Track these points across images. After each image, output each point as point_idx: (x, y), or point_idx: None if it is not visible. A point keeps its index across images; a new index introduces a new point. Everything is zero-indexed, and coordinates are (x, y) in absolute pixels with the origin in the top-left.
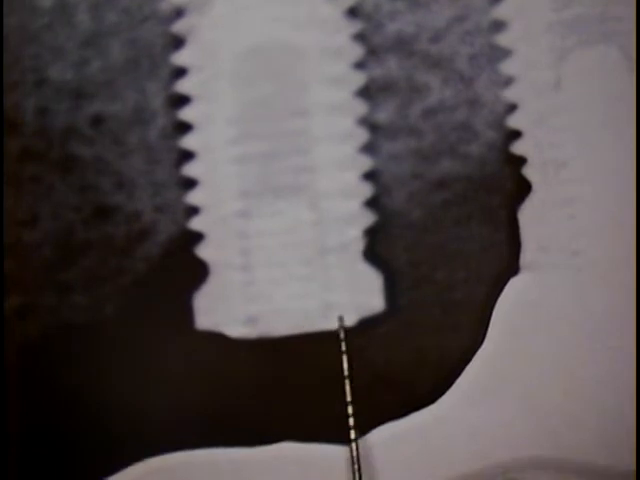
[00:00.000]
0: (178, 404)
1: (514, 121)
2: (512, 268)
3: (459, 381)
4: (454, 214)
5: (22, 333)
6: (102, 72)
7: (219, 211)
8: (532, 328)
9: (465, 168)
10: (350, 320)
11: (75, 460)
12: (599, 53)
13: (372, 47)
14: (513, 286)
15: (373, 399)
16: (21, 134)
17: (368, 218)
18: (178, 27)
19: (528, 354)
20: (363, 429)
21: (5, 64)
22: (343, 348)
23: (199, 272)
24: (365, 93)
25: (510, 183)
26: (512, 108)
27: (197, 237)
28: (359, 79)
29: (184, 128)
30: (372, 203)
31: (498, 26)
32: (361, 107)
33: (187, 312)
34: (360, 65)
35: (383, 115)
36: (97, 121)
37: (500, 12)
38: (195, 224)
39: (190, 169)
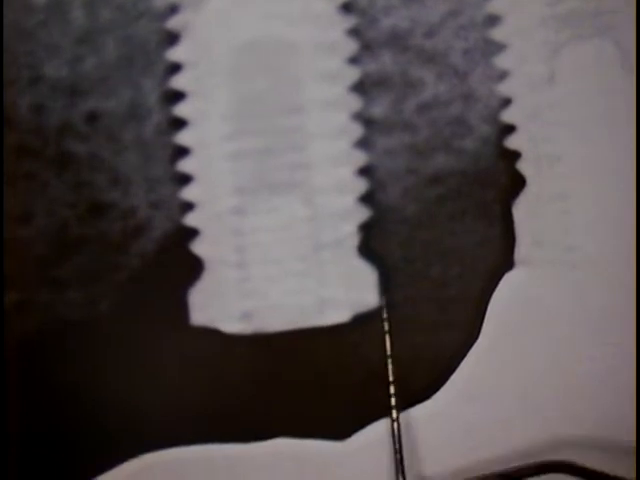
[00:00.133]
0: (173, 400)
1: (508, 115)
2: (507, 263)
3: (454, 377)
4: (448, 209)
5: (17, 329)
6: (97, 69)
7: (214, 207)
8: (527, 323)
9: (459, 163)
10: (344, 316)
11: (70, 456)
12: (593, 47)
13: (366, 42)
14: (508, 281)
15: (368, 395)
16: (16, 131)
17: (363, 213)
18: (172, 24)
19: (523, 349)
20: (358, 425)
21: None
22: (386, 328)
23: (194, 268)
24: (359, 88)
25: (504, 178)
26: (506, 102)
27: (192, 233)
28: (353, 74)
29: (179, 124)
30: (367, 198)
31: (492, 21)
32: (356, 102)
33: (182, 308)
34: (354, 60)
35: (378, 110)
36: (92, 118)
37: (494, 6)
38: (190, 220)
39: (185, 165)
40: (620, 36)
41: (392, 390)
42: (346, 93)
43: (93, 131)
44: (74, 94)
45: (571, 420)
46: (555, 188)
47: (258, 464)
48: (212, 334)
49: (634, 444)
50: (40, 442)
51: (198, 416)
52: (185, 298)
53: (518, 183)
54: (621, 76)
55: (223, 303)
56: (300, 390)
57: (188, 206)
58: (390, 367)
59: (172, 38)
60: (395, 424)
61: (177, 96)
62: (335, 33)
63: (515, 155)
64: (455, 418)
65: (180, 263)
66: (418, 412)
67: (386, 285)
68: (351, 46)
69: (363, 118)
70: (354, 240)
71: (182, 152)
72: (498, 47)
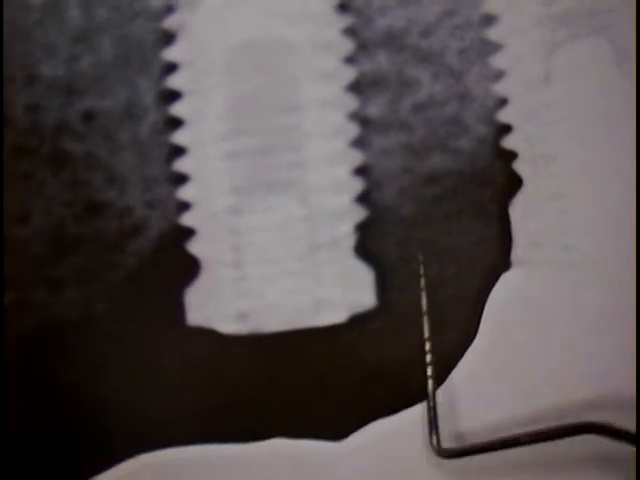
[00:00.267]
0: (170, 400)
1: (504, 115)
2: (504, 263)
3: (451, 377)
4: (445, 209)
5: (14, 328)
6: (93, 68)
7: (210, 207)
8: (524, 323)
9: (456, 163)
10: (341, 316)
11: (68, 455)
12: (589, 47)
13: (362, 42)
14: (505, 281)
15: (364, 396)
16: (13, 130)
17: (359, 213)
18: (169, 23)
19: (520, 349)
20: (355, 425)
21: None
22: (422, 284)
23: (190, 268)
24: (356, 88)
25: (501, 178)
26: (502, 102)
27: (188, 233)
28: (350, 74)
29: (175, 124)
30: (363, 198)
31: (488, 20)
32: (352, 102)
33: (178, 308)
34: (351, 60)
35: (374, 110)
36: (88, 117)
37: (490, 6)
38: (186, 220)
39: (181, 165)
40: (616, 35)
41: (427, 347)
42: (342, 92)
43: (89, 130)
44: (70, 93)
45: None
46: (552, 188)
47: (255, 464)
48: (208, 334)
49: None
50: (37, 441)
51: (195, 416)
52: (181, 298)
53: (514, 183)
54: (617, 75)
55: (219, 303)
56: (296, 390)
57: (184, 205)
58: (427, 325)
59: (168, 38)
60: (430, 381)
61: (173, 95)
62: (331, 33)
63: (511, 155)
64: (452, 418)
65: (176, 263)
66: (415, 412)
67: (382, 286)
68: (347, 46)
69: (359, 117)
70: (350, 240)
71: (178, 151)
72: (494, 47)
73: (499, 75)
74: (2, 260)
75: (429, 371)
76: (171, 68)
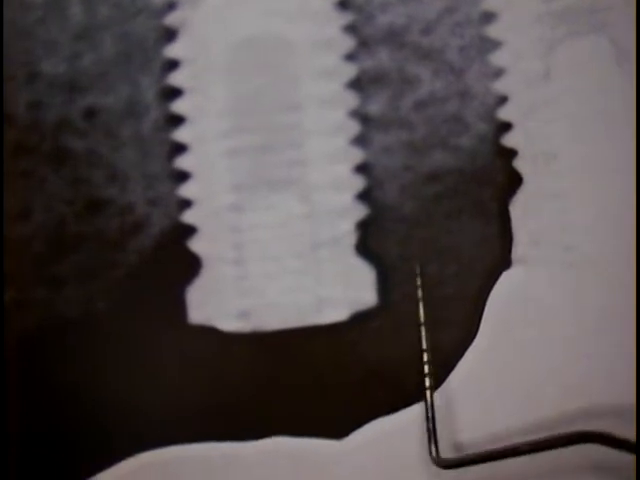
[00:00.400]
0: (170, 398)
1: (505, 113)
2: (504, 262)
3: (452, 376)
4: (445, 207)
5: (15, 327)
6: (95, 65)
7: (212, 204)
8: (525, 322)
9: (456, 160)
10: (342, 315)
11: (68, 454)
12: (589, 44)
13: (363, 39)
14: (505, 280)
15: (365, 394)
16: (14, 127)
17: (360, 211)
18: (170, 20)
19: (521, 348)
20: (354, 424)
21: None
22: (420, 295)
23: (192, 265)
24: (356, 85)
25: (501, 176)
26: (502, 100)
27: (190, 230)
28: (350, 71)
29: (177, 121)
30: (364, 196)
31: (488, 17)
32: (352, 99)
33: (180, 306)
34: (351, 57)
35: (374, 107)
36: (90, 114)
37: (490, 3)
38: (188, 217)
39: (183, 162)
40: (615, 33)
41: (425, 358)
42: (343, 90)
43: (91, 127)
44: (72, 90)
45: (569, 420)
46: (552, 186)
47: (255, 463)
48: (209, 332)
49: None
50: (38, 440)
51: (195, 414)
52: (182, 296)
53: (515, 181)
54: (617, 73)
55: (220, 301)
56: (297, 389)
57: (186, 203)
58: (424, 334)
59: (170, 35)
60: (429, 392)
61: (175, 93)
62: (332, 30)
63: (512, 153)
64: (453, 417)
65: (178, 260)
66: (415, 411)
67: (383, 284)
68: (348, 43)
69: (360, 115)
70: (351, 238)
71: (179, 149)
72: (494, 44)
73: (499, 72)
74: (2, 258)
75: (427, 382)
76: (172, 65)
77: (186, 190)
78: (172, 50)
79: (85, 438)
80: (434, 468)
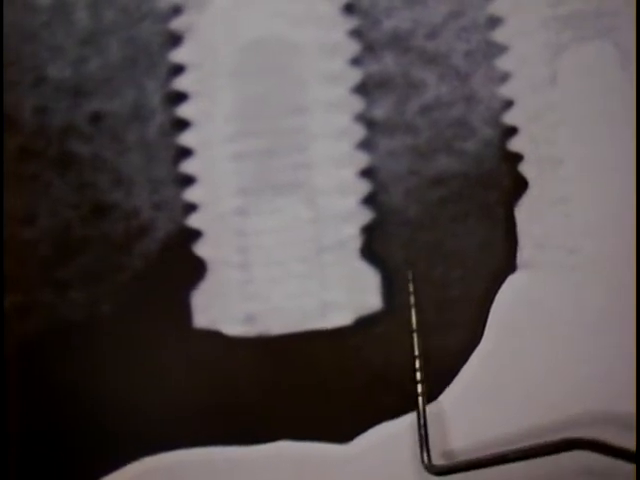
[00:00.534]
0: (175, 402)
1: (510, 117)
2: (509, 266)
3: (456, 380)
4: (450, 211)
5: (20, 330)
6: (101, 70)
7: (217, 208)
8: (530, 326)
9: (461, 165)
10: (347, 319)
11: (72, 458)
12: (594, 49)
13: (369, 43)
14: (510, 284)
15: (369, 398)
16: (20, 132)
17: (365, 215)
18: (176, 25)
19: (526, 352)
20: (360, 428)
21: (4, 62)
22: (412, 301)
23: (197, 269)
24: (362, 89)
25: (506, 180)
26: (508, 104)
27: (195, 234)
28: (356, 75)
29: (182, 125)
30: (369, 200)
31: (494, 22)
32: (358, 104)
33: (185, 309)
34: (357, 61)
35: (380, 112)
36: (95, 119)
37: (495, 8)
38: (193, 221)
39: (188, 166)
40: (621, 38)
41: (418, 365)
42: (348, 94)
43: (96, 132)
44: (78, 95)
45: (574, 423)
46: (557, 190)
47: (260, 467)
48: (214, 336)
49: (634, 447)
50: (41, 444)
51: (200, 418)
52: (188, 299)
53: (520, 185)
54: (622, 78)
55: (226, 305)
56: (302, 393)
57: (191, 207)
58: (416, 340)
59: (175, 39)
60: (420, 399)
61: (180, 97)
62: (337, 34)
63: (517, 157)
64: (457, 420)
65: (183, 264)
66: None
67: (388, 288)
68: (353, 47)
69: (365, 119)
70: (356, 242)
71: (185, 153)
72: (500, 49)
73: (505, 77)
74: (2, 261)
75: (419, 388)
76: (178, 70)
77: (191, 194)
78: (178, 54)
79: (89, 442)
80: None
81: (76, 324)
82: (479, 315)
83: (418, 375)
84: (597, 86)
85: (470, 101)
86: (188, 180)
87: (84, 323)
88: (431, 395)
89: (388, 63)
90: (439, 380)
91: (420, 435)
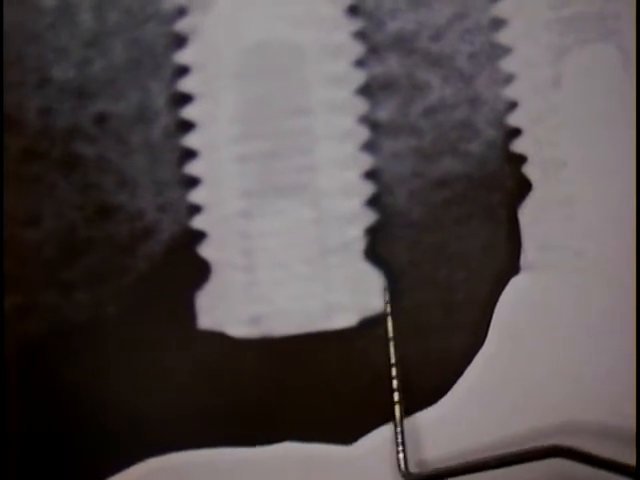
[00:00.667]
0: (180, 404)
1: (514, 119)
2: (513, 268)
3: (460, 381)
4: (454, 213)
5: (25, 331)
6: (105, 71)
7: (221, 210)
8: (533, 328)
9: (465, 166)
10: (351, 320)
11: (77, 460)
12: (597, 51)
13: (373, 45)
14: (514, 286)
15: (374, 399)
16: (24, 133)
17: (369, 217)
18: (180, 26)
19: (529, 354)
20: (364, 429)
21: (8, 64)
22: (387, 310)
23: (201, 271)
24: (366, 91)
25: (510, 182)
26: (512, 106)
27: (199, 236)
28: (360, 77)
29: (187, 127)
30: (373, 202)
31: (498, 24)
32: (362, 105)
33: (189, 311)
34: (361, 63)
35: (384, 113)
36: (100, 120)
37: (499, 10)
38: (197, 223)
39: (192, 168)
40: (623, 40)
41: (394, 373)
42: (352, 96)
43: (101, 133)
44: (82, 97)
45: (577, 427)
46: (561, 192)
47: (264, 468)
48: (219, 338)
49: (634, 448)
50: (44, 445)
51: (205, 420)
52: (192, 301)
53: (524, 187)
54: (625, 80)
55: (230, 307)
56: (307, 394)
57: (195, 209)
58: (392, 349)
59: (180, 41)
60: (397, 407)
61: (185, 99)
62: (341, 36)
63: (521, 159)
64: (462, 422)
65: (187, 266)
66: (424, 416)
67: (392, 290)
68: (357, 49)
69: (369, 121)
70: (360, 244)
71: (189, 155)
72: (504, 50)
73: (509, 79)
74: (2, 262)
75: (396, 397)
76: (182, 71)
77: (196, 196)
78: (182, 56)
79: (94, 443)
80: None
81: (80, 325)
82: (483, 317)
83: (394, 383)
84: (600, 88)
85: (474, 103)
86: (192, 182)
87: (88, 324)
88: (435, 395)
89: (392, 65)
90: (443, 382)
91: (397, 442)
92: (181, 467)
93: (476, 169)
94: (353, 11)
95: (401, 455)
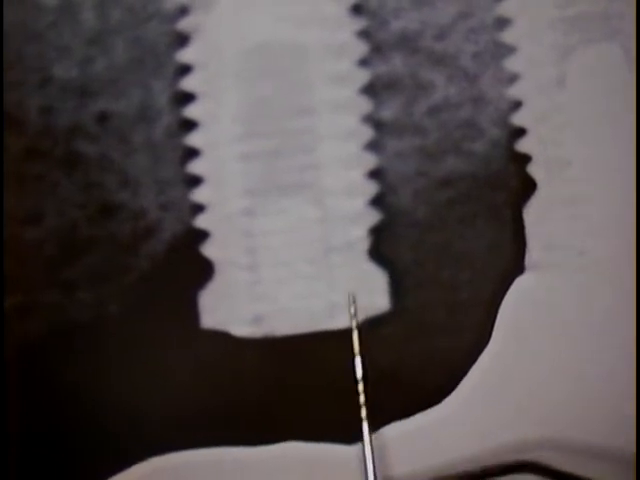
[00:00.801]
0: (182, 403)
1: (518, 118)
2: (517, 267)
3: (465, 381)
4: (459, 212)
5: (25, 331)
6: (107, 70)
7: (224, 209)
8: (538, 328)
9: (470, 166)
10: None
11: (78, 459)
12: (602, 51)
13: (377, 44)
14: (519, 286)
15: (379, 399)
16: (26, 132)
17: (373, 217)
18: (183, 25)
19: (534, 354)
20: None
21: (10, 63)
22: (354, 324)
23: (204, 270)
24: (370, 91)
25: (515, 181)
26: (516, 105)
27: (202, 235)
28: (364, 76)
29: (189, 126)
30: (377, 201)
31: (502, 23)
32: (366, 105)
33: (192, 310)
34: (365, 62)
35: (388, 113)
36: (102, 119)
37: (504, 9)
38: (200, 222)
39: (195, 167)
40: (627, 40)
41: (361, 388)
42: (356, 95)
43: (103, 132)
44: (84, 95)
45: (580, 425)
46: (566, 192)
47: (267, 467)
48: (222, 337)
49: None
50: (45, 445)
51: (207, 419)
52: (195, 300)
53: (528, 187)
54: (629, 80)
55: (233, 306)
56: (310, 394)
57: (198, 208)
58: (359, 365)
59: (182, 40)
60: (365, 423)
61: (187, 98)
62: (345, 35)
63: (525, 158)
64: (466, 422)
65: (190, 265)
66: (429, 416)
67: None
68: (361, 48)
69: (373, 120)
70: (364, 243)
71: (192, 154)
72: (508, 50)
73: (513, 78)
74: (2, 261)
75: (363, 413)
76: (185, 70)
77: (198, 195)
78: (184, 55)
79: (96, 442)
80: None
81: (82, 325)
82: (487, 317)
83: (361, 399)
84: (604, 88)
85: (478, 102)
86: (195, 181)
87: (90, 324)
88: (438, 396)
89: (396, 64)
90: (447, 382)
91: (365, 459)
92: (182, 467)
93: (480, 168)
94: (357, 10)
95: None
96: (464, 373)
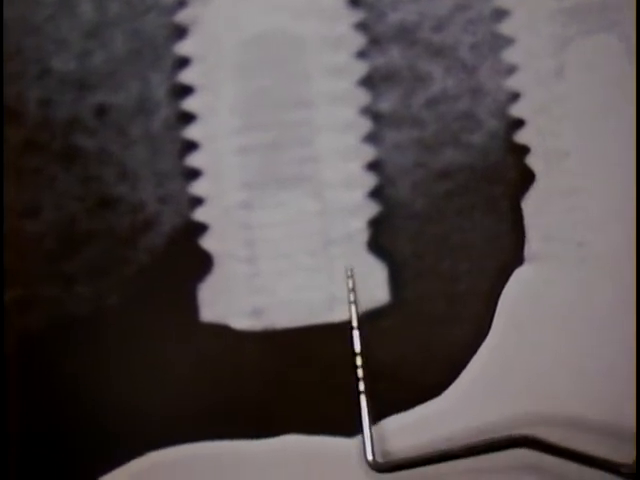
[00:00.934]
0: (181, 396)
1: (517, 110)
2: (516, 259)
3: (464, 373)
4: (457, 204)
5: (25, 324)
6: (105, 63)
7: (223, 202)
8: (537, 319)
9: (468, 157)
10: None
11: (77, 453)
12: (600, 42)
13: (374, 36)
14: (517, 277)
15: (378, 392)
16: (24, 125)
17: (372, 209)
18: (181, 18)
19: (533, 346)
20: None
21: (8, 55)
22: (352, 298)
23: (203, 263)
24: (368, 82)
25: (513, 172)
26: (515, 97)
27: (201, 228)
28: (361, 68)
29: (187, 118)
30: (376, 193)
31: (500, 14)
32: (364, 97)
33: (191, 303)
34: (362, 54)
35: (386, 105)
36: (100, 112)
37: (502, 0)
38: (199, 215)
39: (193, 160)
40: (625, 31)
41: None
42: (354, 87)
43: (101, 125)
44: (82, 88)
45: (582, 419)
46: (564, 183)
47: (267, 461)
48: (221, 330)
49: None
50: (44, 439)
51: (206, 412)
52: (194, 293)
53: (527, 178)
54: (627, 71)
55: (232, 299)
56: (309, 387)
57: (197, 201)
58: (357, 338)
59: (180, 32)
60: (363, 397)
61: (185, 90)
62: (343, 27)
63: (524, 150)
64: (466, 414)
65: (189, 258)
66: (429, 408)
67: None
68: (359, 40)
69: (371, 112)
70: (363, 235)
71: (190, 146)
72: (506, 41)
73: (511, 70)
74: (2, 254)
75: (361, 386)
76: (183, 63)
77: (197, 188)
78: (182, 47)
79: (95, 436)
80: None
81: (81, 318)
82: (487, 308)
83: (360, 372)
84: (603, 79)
85: (476, 94)
86: (193, 173)
87: (90, 317)
88: (438, 387)
89: (394, 56)
90: (446, 374)
91: (364, 433)
92: (182, 460)
93: (479, 160)
94: (354, 2)
95: (368, 444)
96: (464, 365)
